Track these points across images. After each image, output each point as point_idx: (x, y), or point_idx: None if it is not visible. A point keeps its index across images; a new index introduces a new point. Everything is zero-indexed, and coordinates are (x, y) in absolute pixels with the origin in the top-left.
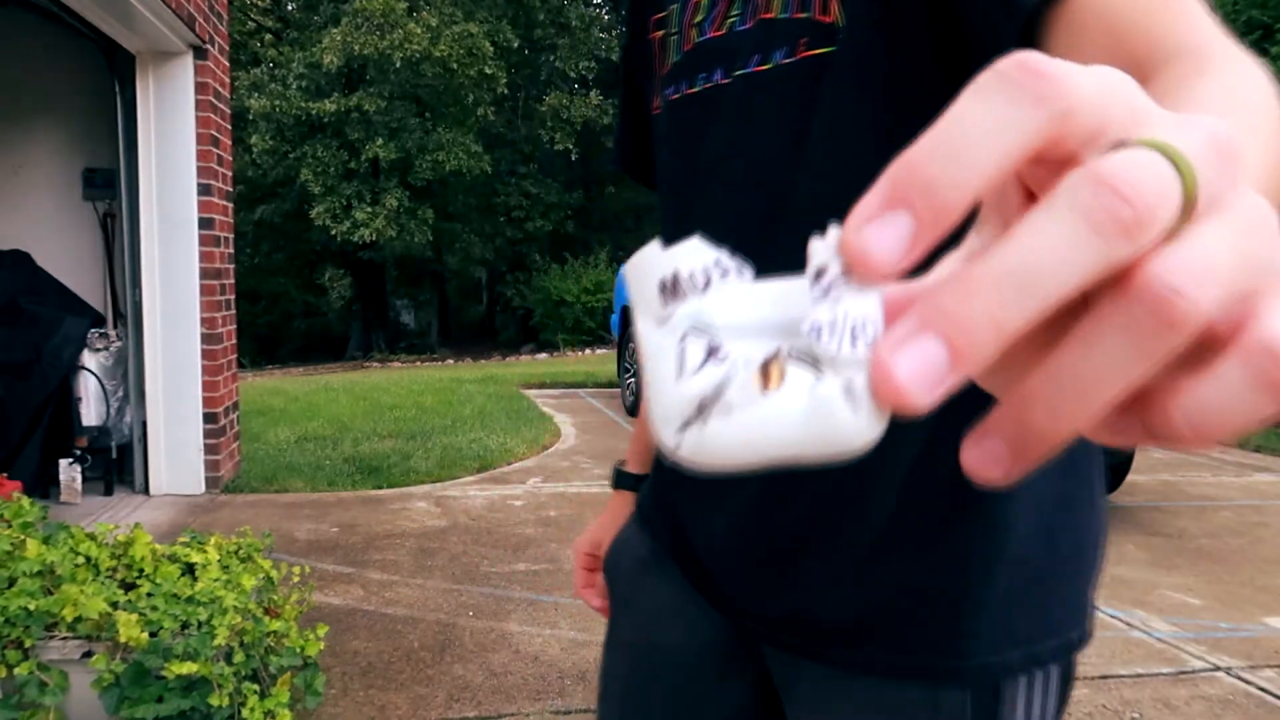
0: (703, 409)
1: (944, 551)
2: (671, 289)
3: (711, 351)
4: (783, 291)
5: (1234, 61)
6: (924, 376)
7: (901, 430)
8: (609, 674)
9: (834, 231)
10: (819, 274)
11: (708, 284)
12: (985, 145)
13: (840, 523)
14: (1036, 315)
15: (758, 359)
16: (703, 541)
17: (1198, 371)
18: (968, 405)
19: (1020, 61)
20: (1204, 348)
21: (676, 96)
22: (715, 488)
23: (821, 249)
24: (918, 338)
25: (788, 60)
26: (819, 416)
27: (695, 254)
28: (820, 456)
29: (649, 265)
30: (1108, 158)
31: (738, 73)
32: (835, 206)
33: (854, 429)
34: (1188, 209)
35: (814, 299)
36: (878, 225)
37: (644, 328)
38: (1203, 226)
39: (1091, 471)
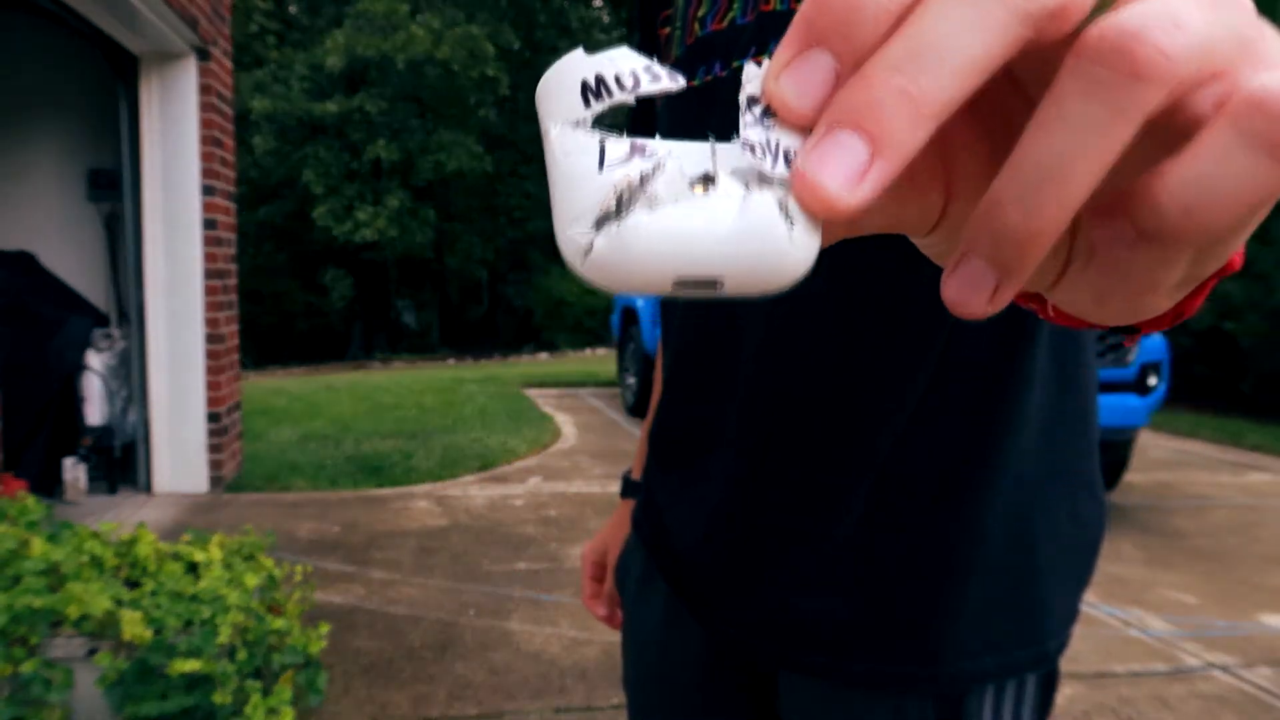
0: (623, 202)
1: (916, 554)
2: (595, 90)
3: (636, 149)
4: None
5: None
6: (845, 173)
7: (879, 426)
8: (624, 680)
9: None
10: (751, 101)
11: (636, 86)
12: None
13: (815, 515)
14: (958, 89)
15: (688, 166)
16: (683, 539)
17: (1180, 154)
18: (939, 401)
19: None
20: (1184, 129)
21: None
22: (692, 474)
23: (754, 77)
24: (830, 136)
25: None
26: (753, 226)
27: (625, 58)
28: (750, 278)
29: (570, 68)
30: None
31: (735, 65)
32: None
33: (788, 245)
34: None
35: (746, 124)
36: (795, 69)
37: (558, 130)
38: None
39: (1076, 481)
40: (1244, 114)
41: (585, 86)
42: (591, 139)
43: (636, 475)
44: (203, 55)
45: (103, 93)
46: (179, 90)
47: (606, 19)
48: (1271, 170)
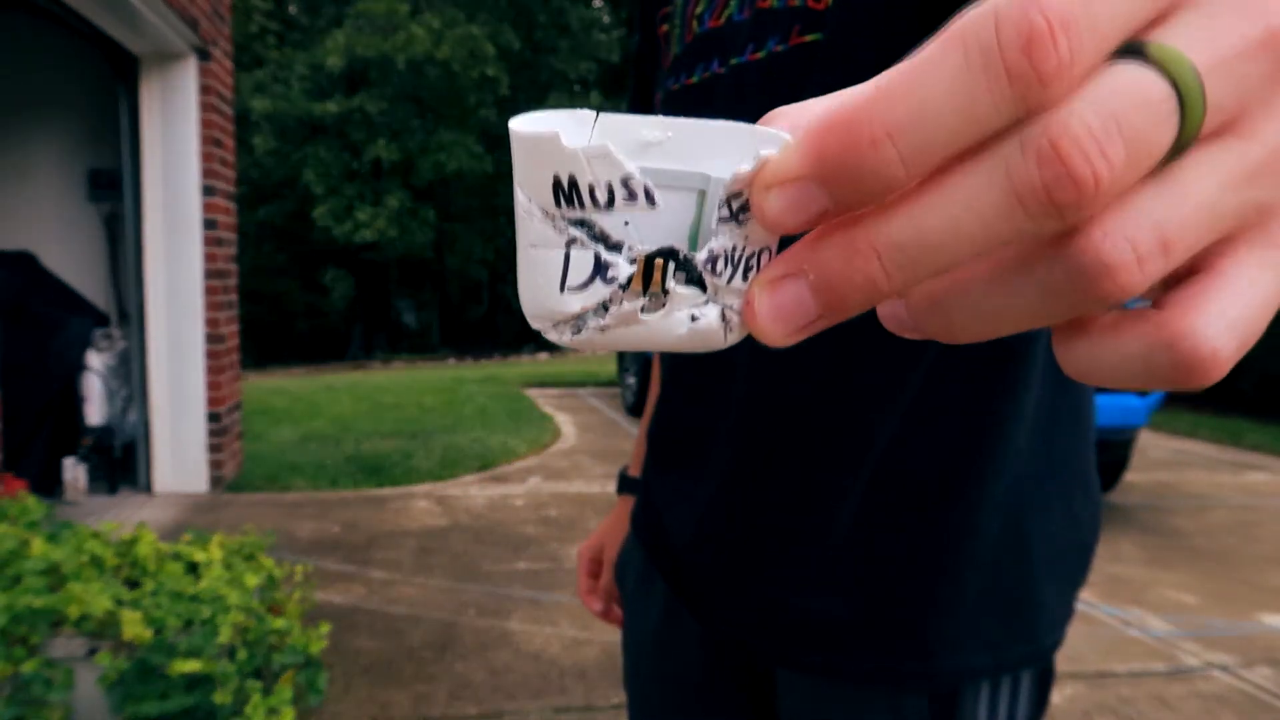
0: (581, 319)
1: (912, 553)
2: (566, 194)
3: (600, 269)
4: (686, 203)
5: None
6: (788, 321)
7: (875, 425)
8: (624, 679)
9: (761, 156)
10: (732, 197)
11: (610, 204)
12: (943, 131)
13: (814, 514)
14: (929, 275)
15: (649, 273)
16: (682, 538)
17: (1104, 322)
18: (938, 401)
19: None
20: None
21: (676, 88)
22: (690, 474)
23: (744, 177)
24: (789, 282)
25: (781, 49)
26: (696, 334)
27: (604, 163)
28: (685, 351)
29: (546, 152)
30: (1078, 102)
31: (733, 62)
32: None
33: (721, 343)
34: (1181, 146)
35: (720, 218)
36: (788, 194)
37: (527, 206)
38: (1194, 163)
39: (1073, 481)
40: (1164, 352)
41: (557, 184)
42: (559, 240)
43: (634, 472)
44: (203, 55)
45: (103, 93)
46: (179, 90)
47: (606, 19)
48: (1164, 388)
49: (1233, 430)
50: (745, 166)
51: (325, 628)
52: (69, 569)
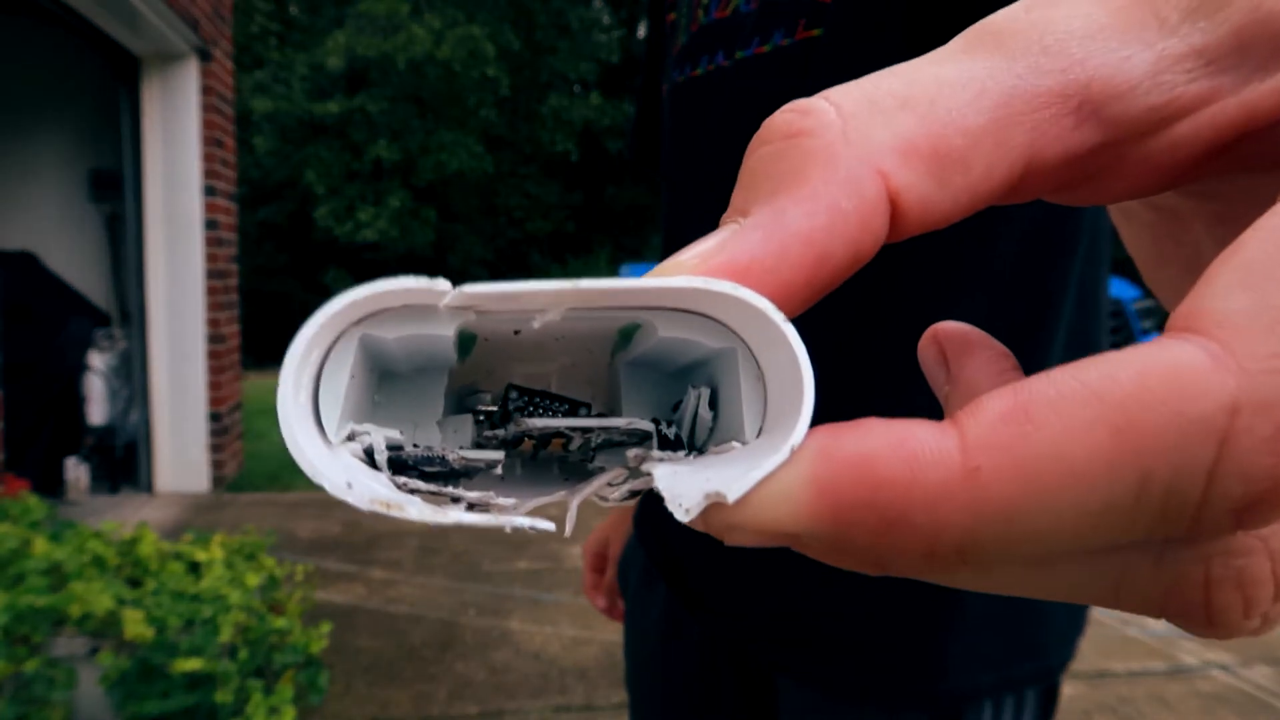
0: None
1: None
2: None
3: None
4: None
5: None
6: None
7: None
8: (626, 679)
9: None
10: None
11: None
12: (1040, 545)
13: None
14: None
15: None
16: (683, 541)
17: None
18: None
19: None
20: None
21: (682, 79)
22: None
23: (695, 508)
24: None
25: (786, 42)
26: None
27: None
28: None
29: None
30: None
31: (738, 55)
32: None
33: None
34: None
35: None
36: (759, 541)
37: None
38: None
39: None
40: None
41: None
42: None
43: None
44: (204, 56)
45: (104, 94)
46: (180, 91)
47: (606, 19)
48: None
49: None
50: (688, 509)
51: (326, 627)
52: (71, 568)
